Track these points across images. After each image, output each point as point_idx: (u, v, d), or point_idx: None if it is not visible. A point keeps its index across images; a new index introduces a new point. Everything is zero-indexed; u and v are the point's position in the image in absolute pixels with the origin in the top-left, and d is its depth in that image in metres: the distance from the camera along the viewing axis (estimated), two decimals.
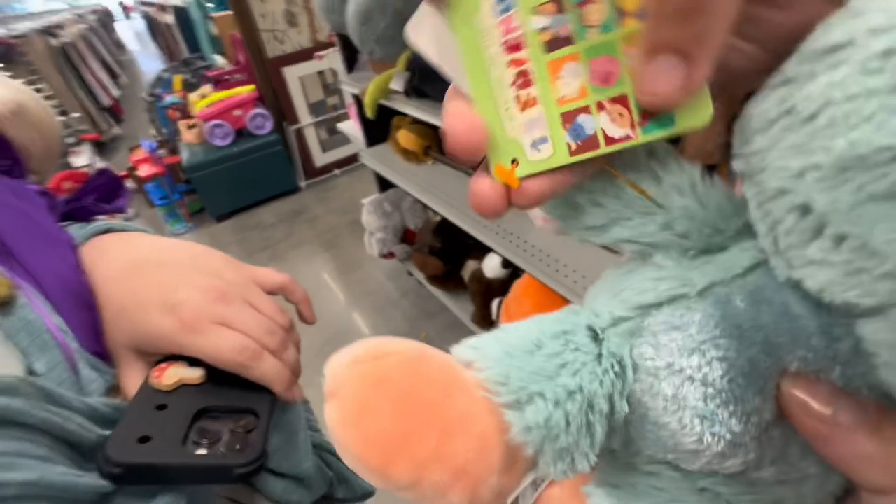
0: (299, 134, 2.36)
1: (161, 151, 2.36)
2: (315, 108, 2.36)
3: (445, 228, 1.30)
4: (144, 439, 0.23)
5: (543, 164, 0.14)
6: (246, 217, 2.34)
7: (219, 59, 2.95)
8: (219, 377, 0.27)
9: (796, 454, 0.13)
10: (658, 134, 0.13)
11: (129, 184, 2.57)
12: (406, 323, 1.56)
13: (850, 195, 0.10)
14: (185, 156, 2.20)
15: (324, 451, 0.35)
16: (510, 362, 0.15)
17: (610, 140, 0.13)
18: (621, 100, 0.13)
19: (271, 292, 0.32)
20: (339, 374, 0.14)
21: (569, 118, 0.14)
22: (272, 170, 2.33)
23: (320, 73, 2.29)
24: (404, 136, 1.27)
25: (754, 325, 0.13)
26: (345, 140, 2.10)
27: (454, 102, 0.15)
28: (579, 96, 0.13)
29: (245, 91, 2.23)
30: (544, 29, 0.13)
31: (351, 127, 1.57)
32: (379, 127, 1.39)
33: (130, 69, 5.90)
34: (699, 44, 0.11)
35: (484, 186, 0.15)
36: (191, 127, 2.28)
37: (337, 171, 2.52)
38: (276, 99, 2.26)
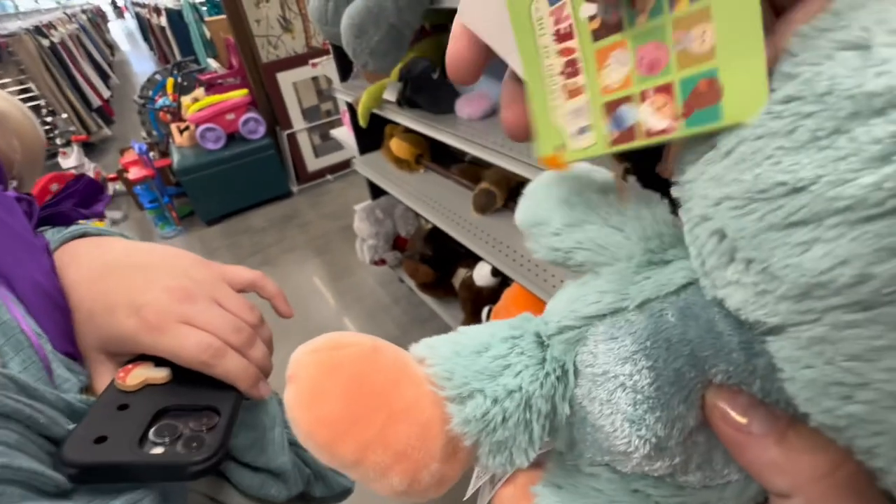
0: (292, 139, 2.36)
1: (152, 154, 2.35)
2: (308, 114, 2.36)
3: (436, 236, 1.31)
4: (100, 439, 0.23)
5: (585, 152, 0.14)
6: (237, 221, 2.33)
7: (212, 63, 2.94)
8: (185, 376, 0.27)
9: (720, 460, 0.14)
10: (703, 127, 0.12)
11: (119, 186, 2.56)
12: (397, 329, 1.56)
13: (754, 223, 0.11)
14: (176, 159, 2.19)
15: (300, 449, 0.36)
16: (457, 361, 0.16)
17: (650, 132, 0.13)
18: (666, 88, 0.13)
19: (242, 290, 0.33)
20: (298, 360, 0.16)
21: (611, 108, 0.13)
22: (264, 174, 2.33)
23: (314, 78, 2.30)
24: (397, 145, 1.29)
25: (682, 339, 0.14)
26: (338, 145, 2.11)
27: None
28: (623, 85, 0.13)
29: (238, 95, 2.23)
30: (593, 17, 0.13)
31: (344, 133, 1.57)
32: (372, 134, 1.40)
33: (122, 70, 5.85)
34: None
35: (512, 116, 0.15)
36: (182, 130, 2.27)
37: (329, 177, 2.52)
38: (269, 104, 2.26)
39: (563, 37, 0.14)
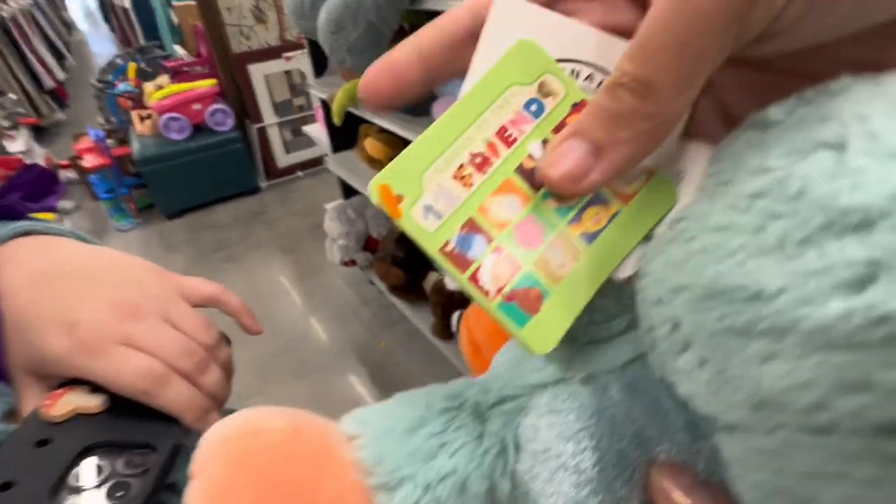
0: (262, 133, 2.29)
1: (109, 141, 2.22)
2: (280, 108, 2.30)
3: (409, 239, 1.30)
4: (6, 486, 0.20)
5: (417, 231, 0.13)
6: (200, 216, 2.24)
7: (178, 50, 2.82)
8: (123, 406, 0.24)
9: None
10: (505, 320, 0.13)
11: (71, 174, 2.41)
12: (365, 331, 1.54)
13: (712, 323, 0.10)
14: (136, 148, 2.08)
15: None
16: (388, 443, 0.15)
17: (474, 278, 0.13)
18: (515, 265, 0.13)
19: (201, 305, 0.30)
20: (204, 452, 0.14)
21: (472, 227, 0.13)
22: (231, 168, 2.24)
23: (287, 72, 2.24)
24: (371, 145, 1.27)
25: (627, 417, 0.14)
26: (310, 142, 2.06)
27: (401, 51, 0.14)
28: (496, 224, 0.13)
29: (206, 85, 2.14)
30: (532, 157, 0.14)
31: (317, 130, 1.54)
32: (346, 133, 1.37)
33: (79, 51, 5.53)
34: (614, 148, 0.12)
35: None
36: (144, 118, 2.17)
37: (300, 173, 2.46)
38: (238, 95, 2.19)
39: (504, 137, 0.14)
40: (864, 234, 0.08)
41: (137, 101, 2.28)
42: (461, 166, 0.13)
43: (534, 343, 0.13)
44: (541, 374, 0.15)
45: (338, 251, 1.49)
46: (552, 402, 0.15)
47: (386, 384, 1.34)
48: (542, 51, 0.14)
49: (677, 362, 0.11)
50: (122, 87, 2.40)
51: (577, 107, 0.14)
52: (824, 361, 0.08)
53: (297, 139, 2.38)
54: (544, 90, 0.14)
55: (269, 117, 2.28)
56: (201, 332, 0.27)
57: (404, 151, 0.13)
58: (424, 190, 0.13)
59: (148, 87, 2.20)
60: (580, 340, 0.15)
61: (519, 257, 0.13)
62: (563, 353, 0.15)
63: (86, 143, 2.17)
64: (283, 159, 2.41)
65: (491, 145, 0.14)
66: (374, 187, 0.13)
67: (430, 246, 0.13)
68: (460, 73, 0.14)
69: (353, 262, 1.53)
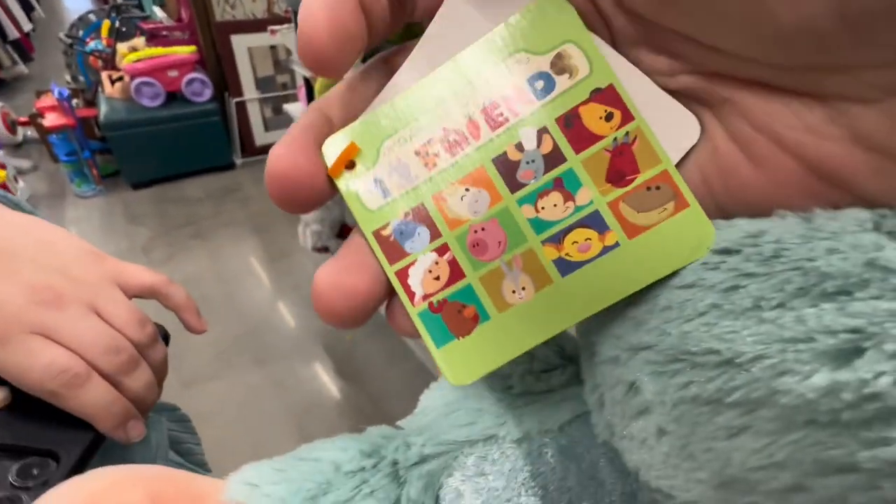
0: (241, 108, 2.20)
1: (75, 101, 2.09)
2: (262, 84, 2.22)
3: None
4: None
5: (354, 201, 0.11)
6: (169, 188, 2.14)
7: (158, 12, 2.68)
8: (29, 404, 0.21)
9: None
10: (424, 332, 0.11)
11: (30, 132, 2.26)
12: None
13: (677, 391, 0.09)
14: (103, 110, 1.97)
15: None
16: None
17: (401, 275, 0.11)
18: (458, 272, 0.11)
19: (139, 295, 0.27)
20: None
21: (417, 215, 0.11)
22: (205, 141, 2.15)
23: (272, 47, 2.16)
24: None
25: (560, 486, 0.12)
26: (291, 121, 1.99)
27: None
28: (449, 220, 0.11)
29: (184, 52, 2.04)
30: (520, 148, 0.11)
31: (299, 110, 1.49)
32: None
33: (49, 3, 5.20)
34: None
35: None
36: (115, 80, 2.05)
37: None
38: (219, 66, 2.10)
39: (491, 116, 0.11)
40: (843, 301, 0.08)
41: (109, 61, 2.16)
42: (429, 141, 0.11)
43: (448, 370, 0.11)
44: (470, 430, 0.13)
45: (310, 236, 1.45)
46: (480, 463, 0.13)
47: (351, 376, 1.31)
48: (570, 10, 0.10)
49: (631, 429, 0.10)
50: (93, 45, 2.26)
51: (599, 94, 0.11)
52: (804, 438, 0.08)
53: (278, 117, 2.30)
54: (560, 64, 0.11)
55: (250, 92, 2.19)
56: (133, 327, 0.24)
57: (374, 111, 0.11)
58: (380, 160, 0.11)
59: (121, 48, 2.08)
60: (514, 390, 0.14)
61: (465, 265, 0.11)
62: (496, 406, 0.13)
63: (48, 100, 2.04)
64: (261, 137, 2.33)
65: (472, 123, 0.11)
66: (332, 143, 0.11)
67: (365, 224, 0.11)
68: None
69: (325, 249, 1.49)
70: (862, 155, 0.08)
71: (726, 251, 0.09)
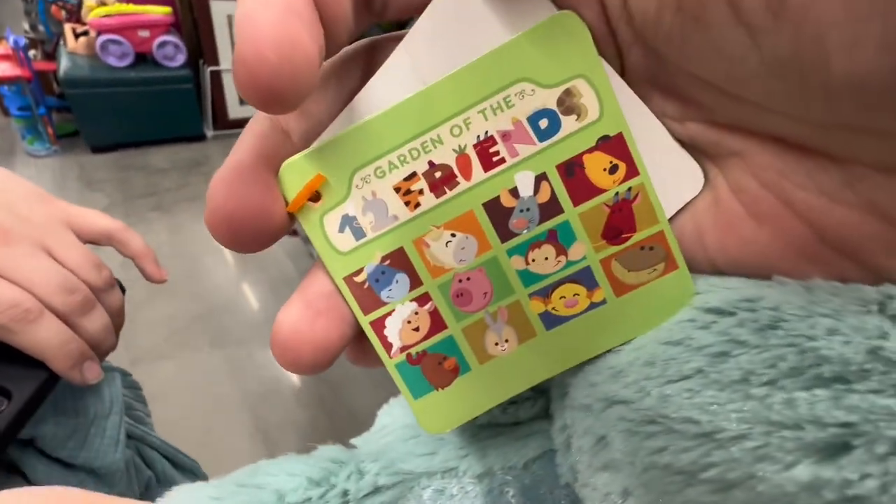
0: (216, 77, 2.11)
1: (32, 53, 1.95)
2: None
3: None
4: None
5: (320, 241, 0.10)
6: (131, 155, 2.03)
7: None
8: None
9: None
10: (399, 381, 0.11)
11: None
12: None
13: (649, 455, 0.08)
14: (64, 65, 1.84)
15: (144, 446, 0.29)
16: None
17: (378, 325, 0.10)
18: (439, 324, 0.10)
19: (93, 241, 0.25)
20: None
21: (397, 260, 0.10)
22: (175, 109, 2.05)
23: None
24: None
25: None
26: None
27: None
28: (432, 267, 0.10)
29: (157, 12, 1.93)
30: (515, 194, 0.10)
31: None
32: None
33: None
34: None
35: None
36: (79, 34, 1.92)
37: None
38: (195, 31, 2.00)
39: (485, 153, 0.10)
40: (839, 391, 0.07)
41: (74, 13, 2.02)
42: (412, 176, 0.10)
43: (425, 420, 0.11)
44: (429, 460, 0.13)
45: None
46: (437, 497, 0.12)
47: None
48: (585, 34, 0.09)
49: (595, 480, 0.10)
50: None
51: (606, 142, 0.10)
52: None
53: None
54: (569, 102, 0.09)
55: (227, 62, 2.10)
56: (87, 269, 0.23)
57: (341, 134, 0.09)
58: (351, 194, 0.10)
59: (89, 0, 1.95)
60: (478, 421, 0.13)
61: (447, 316, 0.10)
62: (458, 437, 0.13)
63: (1, 48, 1.89)
64: (235, 110, 2.24)
65: (463, 159, 0.10)
66: (291, 170, 0.09)
67: (335, 269, 0.10)
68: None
69: (294, 233, 1.45)
70: (876, 226, 0.08)
71: (719, 311, 0.08)
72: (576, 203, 0.10)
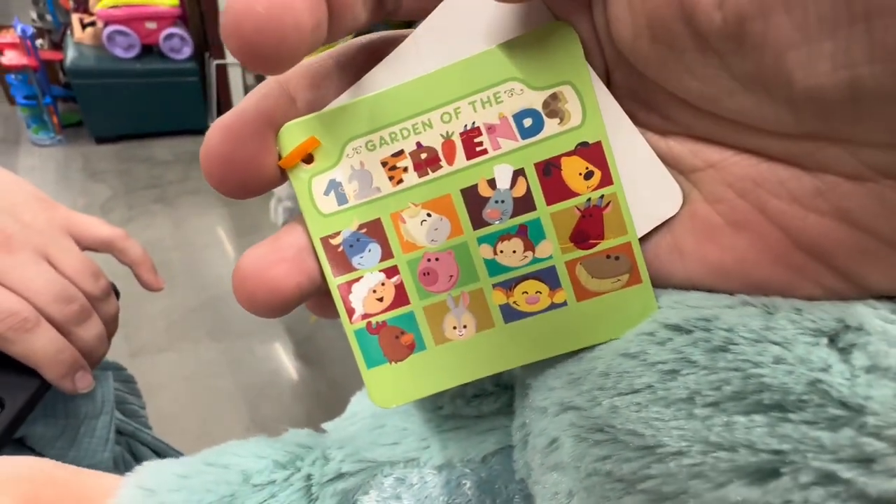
0: (222, 71, 2.11)
1: (39, 42, 1.95)
2: None
3: None
4: None
5: (306, 200, 0.11)
6: (135, 146, 2.03)
7: None
8: None
9: None
10: (356, 348, 0.11)
11: None
12: None
13: (593, 461, 0.09)
14: (71, 55, 1.84)
15: (135, 442, 0.30)
16: None
17: (345, 288, 0.11)
18: (402, 299, 0.11)
19: (92, 248, 0.26)
20: None
21: (373, 230, 0.10)
22: (180, 101, 2.05)
23: None
24: None
25: None
26: None
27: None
28: (404, 243, 0.11)
29: (165, 4, 1.93)
30: (492, 184, 0.10)
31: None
32: None
33: None
34: None
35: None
36: (86, 25, 1.92)
37: None
38: (202, 24, 2.00)
39: (470, 143, 0.10)
40: (776, 418, 0.07)
41: (81, 3, 2.02)
42: (400, 153, 0.10)
43: (374, 391, 0.11)
44: (392, 450, 0.13)
45: (282, 212, 1.41)
46: (397, 485, 0.13)
47: (311, 359, 1.28)
48: (576, 45, 0.10)
49: (545, 479, 0.10)
50: None
51: (584, 148, 0.10)
52: None
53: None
54: (553, 106, 0.10)
55: (234, 56, 2.10)
56: (85, 278, 0.23)
57: (346, 104, 0.10)
58: (342, 160, 0.10)
59: None
60: (443, 411, 0.13)
61: (412, 292, 0.11)
62: (422, 427, 0.13)
63: (9, 36, 1.89)
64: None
65: (448, 144, 0.10)
66: (290, 132, 0.10)
67: (314, 228, 0.11)
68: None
69: None
70: (847, 232, 0.08)
71: (677, 328, 0.09)
72: (549, 202, 0.10)
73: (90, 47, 1.92)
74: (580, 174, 0.10)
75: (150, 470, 0.13)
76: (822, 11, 0.07)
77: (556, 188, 0.10)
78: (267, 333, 1.35)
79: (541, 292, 0.11)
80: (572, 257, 0.11)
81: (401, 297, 0.11)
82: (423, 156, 0.10)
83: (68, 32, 2.00)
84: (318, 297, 0.11)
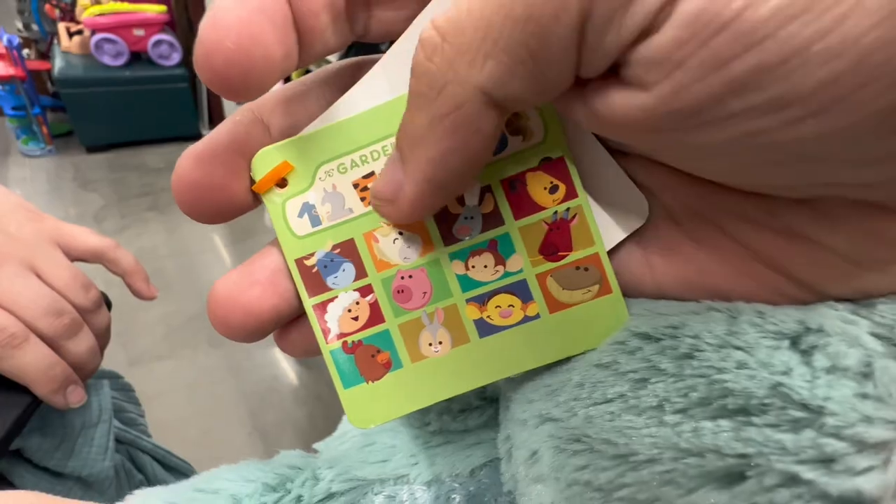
0: None
1: (26, 52, 1.94)
2: None
3: None
4: None
5: (280, 222, 0.11)
6: (127, 154, 2.02)
7: None
8: None
9: None
10: (332, 368, 0.11)
11: None
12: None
13: (572, 472, 0.09)
14: (58, 65, 1.83)
15: (135, 450, 0.29)
16: None
17: (319, 309, 0.11)
18: (377, 317, 0.11)
19: (82, 259, 0.25)
20: None
21: (347, 250, 0.11)
22: (171, 108, 2.04)
23: None
24: None
25: None
26: None
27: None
28: (377, 262, 0.11)
29: (153, 10, 1.92)
30: (461, 202, 0.11)
31: (276, 86, 1.43)
32: None
33: None
34: (414, 144, 0.09)
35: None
36: (73, 33, 1.91)
37: None
38: (190, 30, 1.99)
39: None
40: (741, 422, 0.07)
41: (67, 12, 2.01)
42: (370, 175, 0.10)
43: (352, 412, 0.11)
44: (382, 468, 0.13)
45: None
46: (388, 503, 0.13)
47: (311, 363, 1.28)
48: None
49: (529, 491, 0.10)
50: None
51: (548, 163, 0.10)
52: None
53: None
54: (516, 124, 0.10)
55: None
56: (76, 290, 0.22)
57: (317, 130, 0.10)
58: (314, 184, 0.11)
59: None
60: (430, 427, 0.13)
61: (386, 310, 0.11)
62: (410, 444, 0.13)
63: None
64: (231, 109, 2.23)
65: None
66: (264, 158, 0.10)
67: (289, 249, 0.11)
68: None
69: None
70: (801, 247, 0.08)
71: (646, 337, 0.09)
72: (517, 217, 0.11)
73: (78, 56, 1.91)
74: (545, 188, 0.11)
75: (140, 499, 0.13)
76: None
77: (522, 203, 0.11)
78: (267, 339, 1.34)
79: (513, 305, 0.11)
80: (543, 270, 0.11)
81: (376, 316, 0.11)
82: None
83: (55, 42, 1.98)
84: (285, 331, 0.11)
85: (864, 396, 0.07)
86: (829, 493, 0.07)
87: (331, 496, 0.13)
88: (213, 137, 0.10)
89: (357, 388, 0.11)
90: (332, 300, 0.11)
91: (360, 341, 0.11)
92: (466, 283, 0.11)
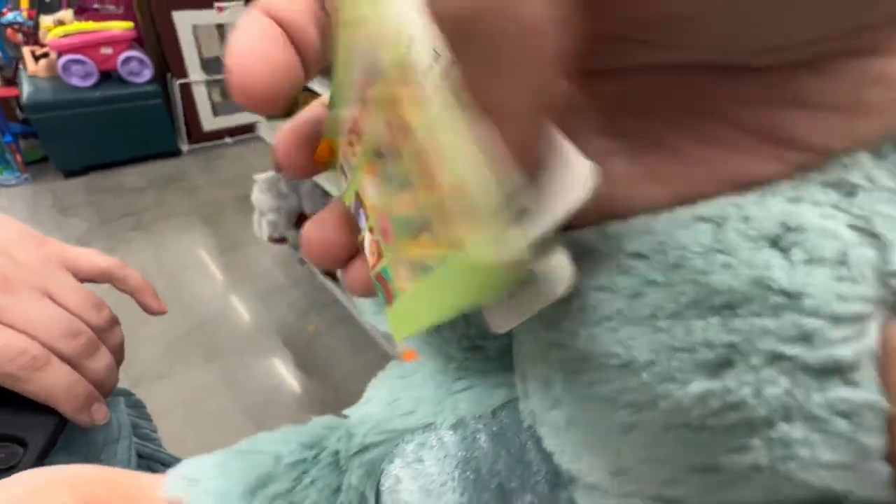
0: (186, 90, 2.07)
1: None
2: (210, 65, 2.09)
3: None
4: None
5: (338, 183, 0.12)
6: (105, 176, 1.99)
7: None
8: None
9: None
10: (380, 297, 0.12)
11: None
12: (292, 313, 1.46)
13: (582, 387, 0.10)
14: (26, 90, 1.79)
15: (155, 463, 0.30)
16: None
17: (362, 245, 0.12)
18: (379, 253, 0.11)
19: (91, 280, 0.26)
20: None
21: (358, 198, 0.12)
22: (145, 126, 2.01)
23: (220, 25, 2.04)
24: None
25: (491, 469, 0.13)
26: (242, 106, 1.87)
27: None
28: (370, 206, 0.11)
29: (119, 27, 1.89)
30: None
31: None
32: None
33: None
34: None
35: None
36: (39, 56, 1.87)
37: (228, 139, 2.27)
38: (158, 45, 1.96)
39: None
40: (727, 316, 0.08)
41: (31, 35, 1.96)
42: (347, 132, 0.11)
43: (392, 327, 0.12)
44: (409, 418, 0.14)
45: (266, 226, 1.39)
46: (419, 449, 0.14)
47: (312, 368, 1.28)
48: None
49: (546, 416, 0.11)
50: (11, 16, 2.04)
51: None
52: (679, 440, 0.09)
53: (228, 102, 2.18)
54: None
55: (196, 73, 2.06)
56: (89, 310, 0.23)
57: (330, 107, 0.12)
58: (340, 148, 0.12)
59: (45, 20, 1.89)
60: (453, 363, 0.14)
61: (383, 247, 0.11)
62: (434, 393, 0.14)
63: None
64: (209, 122, 2.20)
65: (356, 120, 0.11)
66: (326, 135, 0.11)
67: (343, 189, 0.12)
68: None
69: (282, 240, 1.44)
70: (799, 112, 0.08)
71: (638, 255, 0.09)
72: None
73: (46, 79, 1.87)
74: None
75: (190, 464, 0.14)
76: None
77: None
78: (265, 348, 1.33)
79: (434, 243, 0.10)
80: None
81: (378, 252, 0.12)
82: (353, 127, 0.11)
83: (20, 67, 1.94)
84: (350, 266, 0.12)
85: (840, 279, 0.07)
86: (810, 365, 0.07)
87: (366, 448, 0.14)
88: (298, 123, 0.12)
89: (388, 310, 0.12)
90: (363, 238, 0.12)
91: (378, 273, 0.12)
92: (402, 227, 0.10)
